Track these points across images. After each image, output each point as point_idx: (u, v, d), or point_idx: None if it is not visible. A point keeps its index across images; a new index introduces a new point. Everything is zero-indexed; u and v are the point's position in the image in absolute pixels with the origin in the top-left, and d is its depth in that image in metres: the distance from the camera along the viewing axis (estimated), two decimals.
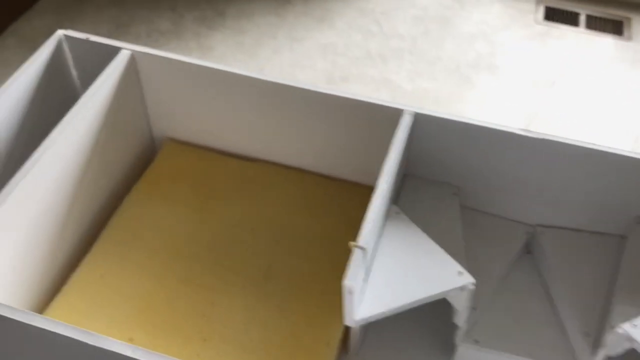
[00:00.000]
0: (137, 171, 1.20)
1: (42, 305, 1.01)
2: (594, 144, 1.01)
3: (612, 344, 0.91)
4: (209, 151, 1.22)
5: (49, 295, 1.02)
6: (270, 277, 1.05)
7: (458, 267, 0.95)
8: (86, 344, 0.78)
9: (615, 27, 2.30)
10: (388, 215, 1.02)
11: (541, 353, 0.99)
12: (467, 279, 0.93)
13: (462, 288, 0.93)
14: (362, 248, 0.87)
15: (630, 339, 0.87)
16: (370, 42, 2.39)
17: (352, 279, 0.84)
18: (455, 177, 1.11)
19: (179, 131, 1.22)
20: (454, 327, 1.00)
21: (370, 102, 1.04)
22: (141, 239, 1.09)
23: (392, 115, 1.03)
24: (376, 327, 1.06)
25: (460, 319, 0.98)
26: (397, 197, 1.10)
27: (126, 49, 1.09)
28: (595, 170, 1.02)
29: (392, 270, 0.95)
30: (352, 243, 0.88)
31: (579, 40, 2.27)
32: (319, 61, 2.28)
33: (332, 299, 1.02)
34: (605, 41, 2.25)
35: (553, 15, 2.39)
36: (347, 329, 1.00)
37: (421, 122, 1.03)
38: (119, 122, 1.11)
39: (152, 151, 1.24)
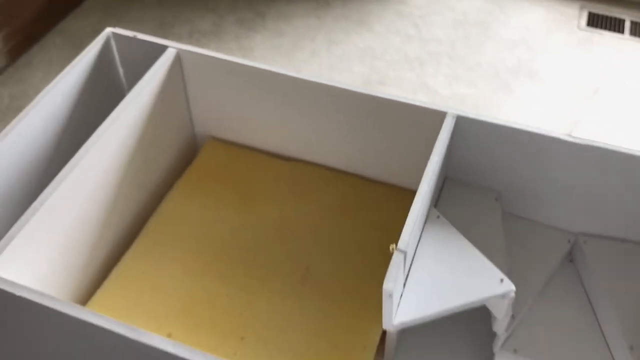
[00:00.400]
0: (179, 168, 1.20)
1: (84, 299, 1.02)
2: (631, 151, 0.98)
3: None
4: (250, 150, 1.22)
5: (90, 289, 1.03)
6: (308, 279, 1.05)
7: (499, 274, 0.93)
8: (128, 338, 0.79)
9: None
10: (428, 219, 1.00)
11: None
12: (509, 287, 0.91)
13: (503, 296, 0.91)
14: (402, 251, 0.86)
15: None
16: (408, 45, 2.37)
17: (392, 282, 0.83)
18: (497, 182, 1.09)
19: (221, 130, 1.22)
20: (492, 335, 0.98)
21: (412, 104, 1.02)
22: (182, 236, 1.09)
23: (434, 118, 1.02)
24: (412, 332, 1.04)
25: (500, 327, 0.96)
26: (437, 201, 1.09)
27: (172, 47, 1.10)
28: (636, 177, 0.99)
29: (432, 275, 0.94)
30: (392, 246, 0.87)
31: (622, 47, 2.22)
32: (356, 64, 2.28)
33: (370, 303, 1.01)
34: None
35: (596, 21, 2.34)
36: (383, 334, 0.99)
37: (463, 125, 1.02)
38: (162, 120, 1.12)
39: (193, 149, 1.25)
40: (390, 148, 1.12)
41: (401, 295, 0.91)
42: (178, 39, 2.36)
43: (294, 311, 1.00)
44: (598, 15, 2.35)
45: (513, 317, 0.98)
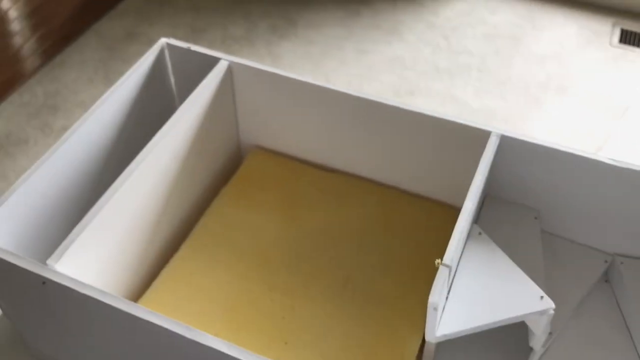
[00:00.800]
0: (225, 176, 1.26)
1: (134, 298, 1.07)
2: None
3: None
4: (294, 160, 1.27)
5: (141, 289, 1.09)
6: (349, 287, 1.09)
7: (539, 292, 0.97)
8: (184, 337, 0.84)
9: None
10: (470, 235, 1.05)
11: None
12: (548, 304, 0.95)
13: (542, 312, 0.95)
14: (447, 266, 0.91)
15: None
16: (438, 57, 2.41)
17: (437, 296, 0.88)
18: (536, 200, 1.13)
19: (266, 140, 1.27)
20: (528, 351, 1.02)
21: (457, 122, 1.07)
22: (227, 241, 1.14)
23: (476, 136, 1.06)
24: (449, 346, 1.09)
25: (538, 343, 1.00)
26: (478, 218, 1.13)
27: (224, 60, 1.15)
28: None
29: (473, 290, 0.98)
30: (438, 261, 0.91)
31: None
32: (385, 74, 2.32)
33: (409, 315, 1.06)
34: None
35: (629, 38, 2.37)
36: (421, 346, 1.03)
37: (506, 144, 1.06)
38: (212, 130, 1.17)
39: (238, 156, 1.30)
40: (432, 164, 1.16)
41: (443, 309, 0.96)
42: (210, 44, 2.42)
43: (334, 318, 1.05)
44: (631, 32, 2.38)
45: (550, 334, 1.02)
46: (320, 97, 1.14)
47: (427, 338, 0.94)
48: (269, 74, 1.14)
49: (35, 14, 2.49)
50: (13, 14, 2.44)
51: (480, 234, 1.05)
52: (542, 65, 2.36)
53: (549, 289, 1.06)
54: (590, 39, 2.42)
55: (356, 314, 1.06)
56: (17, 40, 2.44)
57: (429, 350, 1.00)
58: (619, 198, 1.07)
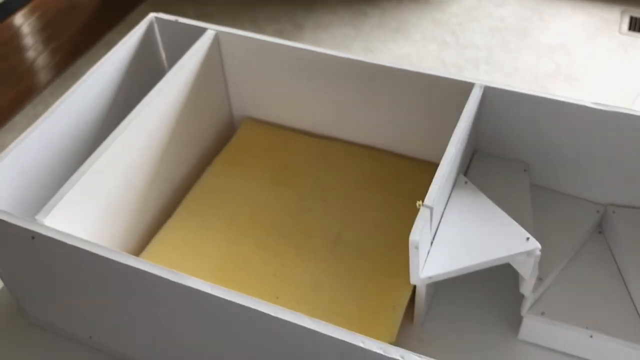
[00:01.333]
0: (217, 146, 1.30)
1: None
2: None
3: None
4: (285, 129, 1.31)
5: (134, 253, 1.13)
6: (340, 244, 1.12)
7: (525, 233, 0.98)
8: (170, 281, 0.87)
9: None
10: (456, 185, 1.07)
11: (610, 327, 1.00)
12: (534, 245, 0.96)
13: (528, 253, 0.96)
14: (428, 207, 0.93)
15: None
16: (445, 52, 2.45)
17: (418, 235, 0.90)
18: (525, 153, 1.14)
19: (257, 110, 1.32)
20: (520, 300, 1.03)
21: (439, 76, 1.10)
22: (220, 206, 1.18)
23: (461, 89, 1.09)
24: (441, 300, 1.10)
25: (527, 288, 1.00)
26: (466, 173, 1.15)
27: (211, 30, 1.20)
28: None
29: (459, 233, 1.00)
30: (419, 203, 0.93)
31: None
32: None
33: (399, 266, 1.08)
34: None
35: (638, 25, 2.38)
36: (412, 300, 1.05)
37: (491, 95, 1.09)
38: (200, 99, 1.22)
39: (231, 128, 1.35)
40: (420, 121, 1.19)
41: (429, 252, 0.98)
42: None
43: (325, 273, 1.08)
44: None
45: (540, 279, 1.03)
46: (308, 60, 1.19)
47: (411, 281, 0.96)
48: (253, 40, 1.19)
49: (47, 28, 2.60)
50: (26, 29, 2.56)
51: (466, 182, 1.07)
52: (551, 56, 2.38)
53: (541, 240, 1.07)
54: (599, 27, 2.43)
55: (347, 269, 1.09)
56: (31, 54, 2.55)
57: (420, 297, 1.02)
58: (607, 144, 1.08)
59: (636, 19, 2.38)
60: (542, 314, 1.02)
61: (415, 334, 1.07)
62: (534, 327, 1.03)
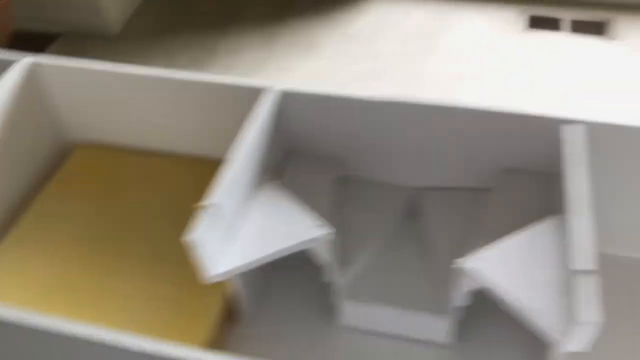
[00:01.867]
0: (49, 175, 1.39)
1: None
2: (451, 102, 1.09)
3: (459, 286, 0.96)
4: (115, 150, 1.41)
5: None
6: (157, 257, 1.19)
7: (317, 221, 1.03)
8: None
9: (598, 28, 2.36)
10: (261, 185, 1.12)
11: (416, 303, 1.05)
12: (324, 230, 1.01)
13: (320, 238, 1.00)
14: (213, 205, 0.97)
15: (475, 273, 0.92)
16: (356, 65, 2.52)
17: (196, 234, 0.93)
18: (336, 148, 1.21)
19: (88, 134, 1.41)
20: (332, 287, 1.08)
21: (231, 85, 1.19)
22: (47, 232, 1.26)
23: (258, 95, 1.15)
24: (268, 300, 1.15)
25: (329, 274, 1.05)
26: (282, 174, 1.20)
27: (27, 60, 1.28)
28: (457, 127, 1.11)
29: (255, 229, 1.05)
30: (196, 205, 0.97)
31: (560, 45, 2.33)
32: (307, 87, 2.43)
33: None
34: (589, 42, 2.29)
35: (539, 23, 2.46)
36: (231, 302, 1.09)
37: (292, 99, 1.16)
38: (19, 129, 1.30)
39: (65, 155, 1.43)
40: (227, 128, 1.22)
41: (224, 251, 1.01)
42: None
43: (143, 283, 1.16)
44: (540, 18, 2.48)
45: (344, 265, 1.07)
46: (131, 82, 1.27)
47: (203, 279, 0.99)
48: (75, 69, 1.27)
49: None
50: None
51: (270, 181, 1.12)
52: (458, 59, 2.44)
53: (350, 227, 1.13)
54: (501, 28, 2.51)
55: (163, 278, 1.16)
56: None
57: (234, 296, 1.08)
58: (404, 132, 1.15)
59: (536, 17, 2.46)
60: (353, 298, 1.07)
61: (242, 333, 1.12)
62: (348, 314, 1.08)
